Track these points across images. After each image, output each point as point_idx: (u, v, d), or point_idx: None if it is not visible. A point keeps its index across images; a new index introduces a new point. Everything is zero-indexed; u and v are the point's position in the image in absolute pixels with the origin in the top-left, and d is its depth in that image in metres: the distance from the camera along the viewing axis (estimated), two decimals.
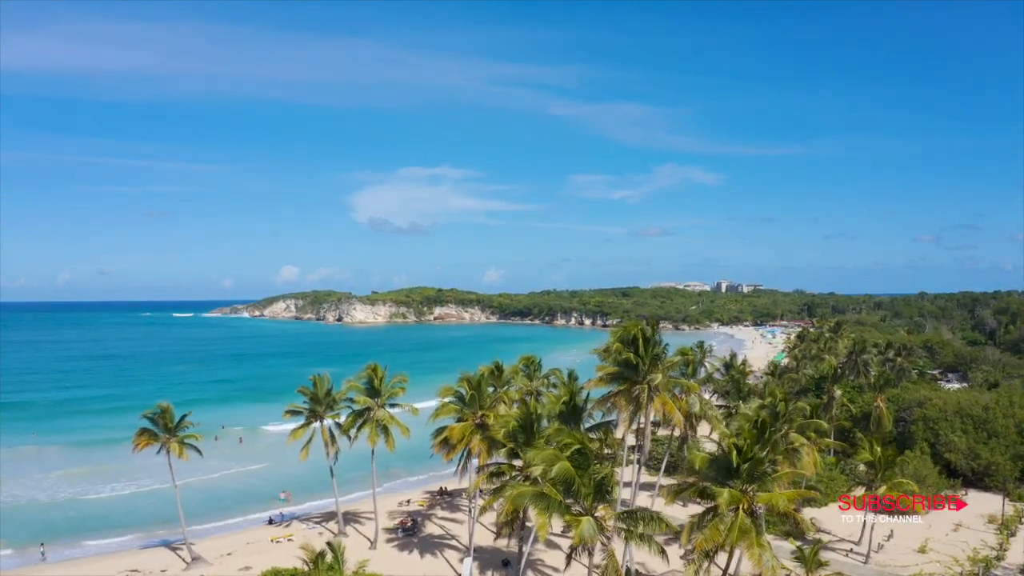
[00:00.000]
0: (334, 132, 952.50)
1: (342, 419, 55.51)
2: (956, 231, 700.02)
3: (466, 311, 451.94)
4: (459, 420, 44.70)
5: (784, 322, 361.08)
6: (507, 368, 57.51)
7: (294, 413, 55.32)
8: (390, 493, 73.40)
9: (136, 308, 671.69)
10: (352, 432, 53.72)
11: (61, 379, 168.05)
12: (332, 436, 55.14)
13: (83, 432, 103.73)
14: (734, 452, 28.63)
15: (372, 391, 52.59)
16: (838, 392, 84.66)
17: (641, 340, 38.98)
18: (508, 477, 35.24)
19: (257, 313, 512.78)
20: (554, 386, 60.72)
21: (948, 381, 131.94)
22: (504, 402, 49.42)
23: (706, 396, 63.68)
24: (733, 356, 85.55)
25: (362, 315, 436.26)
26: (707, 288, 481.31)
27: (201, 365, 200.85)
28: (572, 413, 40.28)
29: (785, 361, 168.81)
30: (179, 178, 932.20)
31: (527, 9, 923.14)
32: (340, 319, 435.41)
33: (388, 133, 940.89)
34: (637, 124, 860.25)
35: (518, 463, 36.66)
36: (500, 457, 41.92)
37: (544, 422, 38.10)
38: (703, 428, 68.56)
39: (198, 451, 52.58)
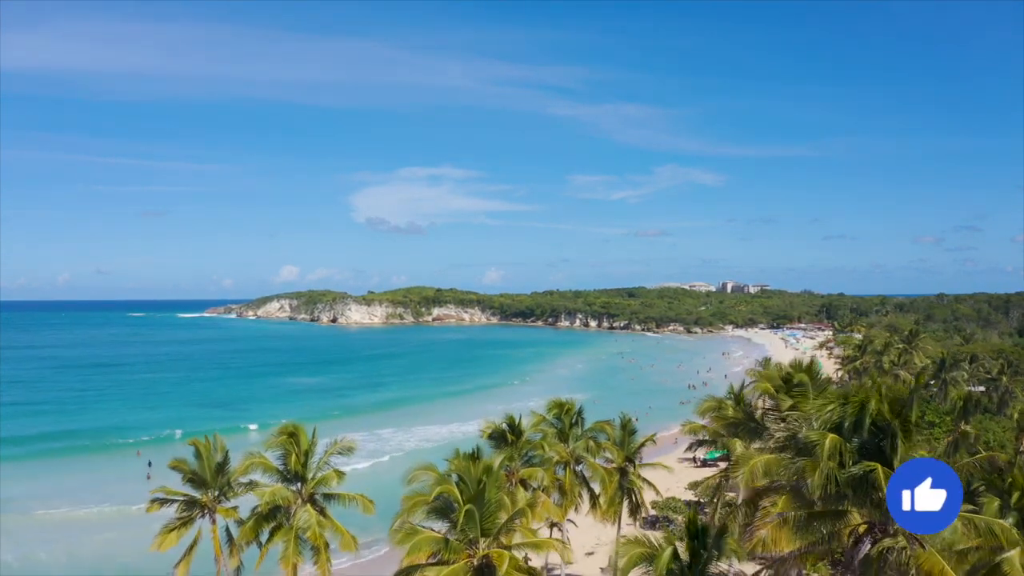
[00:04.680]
0: (334, 132, 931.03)
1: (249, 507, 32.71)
2: (957, 233, 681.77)
3: (466, 312, 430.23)
4: (441, 562, 22.04)
5: (803, 325, 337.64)
6: (526, 422, 34.94)
7: (165, 502, 32.40)
8: None
9: (134, 308, 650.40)
10: (261, 539, 30.83)
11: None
12: (231, 539, 32.39)
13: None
14: None
15: (289, 475, 29.66)
16: (970, 431, 62.08)
17: (895, 420, 15.75)
18: None
19: (250, 313, 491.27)
20: (603, 449, 37.97)
21: None
22: (526, 513, 26.15)
23: None
24: (828, 381, 62.29)
25: (358, 316, 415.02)
26: (713, 289, 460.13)
27: (178, 375, 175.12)
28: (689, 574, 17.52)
29: (832, 374, 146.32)
30: (179, 178, 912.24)
31: (528, 9, 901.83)
32: (335, 320, 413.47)
33: (388, 133, 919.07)
34: (638, 125, 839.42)
35: None
36: None
37: None
38: None
39: None
